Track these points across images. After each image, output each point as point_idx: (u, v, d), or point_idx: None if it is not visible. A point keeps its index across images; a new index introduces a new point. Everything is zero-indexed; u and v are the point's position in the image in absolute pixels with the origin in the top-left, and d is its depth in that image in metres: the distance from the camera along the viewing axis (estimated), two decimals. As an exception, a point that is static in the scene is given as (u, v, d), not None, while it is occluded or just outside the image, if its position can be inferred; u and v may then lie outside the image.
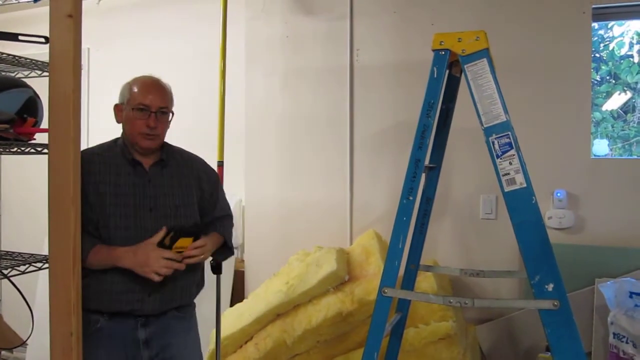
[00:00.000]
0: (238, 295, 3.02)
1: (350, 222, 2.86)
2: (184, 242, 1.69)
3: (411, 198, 1.63)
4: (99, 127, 3.49)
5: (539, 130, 2.53)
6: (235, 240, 3.10)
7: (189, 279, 1.84)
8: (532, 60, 2.55)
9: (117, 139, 1.89)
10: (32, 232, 3.60)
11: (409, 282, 1.99)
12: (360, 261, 2.48)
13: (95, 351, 1.69)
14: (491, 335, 2.60)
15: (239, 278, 3.06)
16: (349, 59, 2.85)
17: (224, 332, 2.47)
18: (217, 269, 2.29)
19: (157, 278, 1.65)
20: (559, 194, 2.50)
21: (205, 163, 2.00)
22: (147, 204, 1.77)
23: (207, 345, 2.70)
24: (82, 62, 3.55)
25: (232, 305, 2.89)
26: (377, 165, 2.82)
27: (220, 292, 2.41)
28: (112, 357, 1.73)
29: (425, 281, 2.34)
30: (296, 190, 2.97)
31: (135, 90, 1.79)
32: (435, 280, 2.34)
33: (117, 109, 1.84)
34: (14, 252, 1.89)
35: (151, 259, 1.65)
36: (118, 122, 1.84)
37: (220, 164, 2.39)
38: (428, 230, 2.06)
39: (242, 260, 3.11)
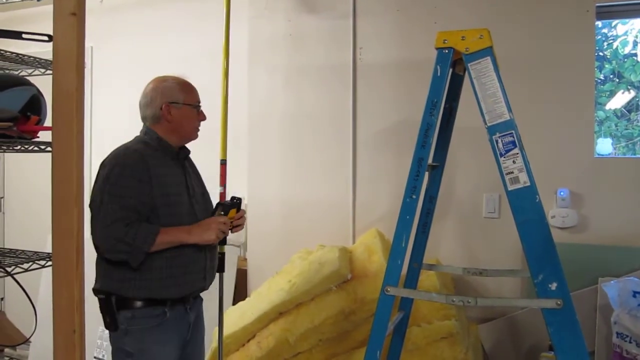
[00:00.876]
0: (240, 293, 3.02)
1: (352, 221, 2.86)
2: (232, 213, 2.00)
3: (414, 197, 1.63)
4: (102, 125, 3.52)
5: (542, 129, 2.53)
6: (238, 238, 3.12)
7: (214, 262, 2.05)
8: (536, 59, 2.54)
9: (141, 137, 1.96)
10: (34, 230, 3.61)
11: (411, 280, 1.99)
12: (363, 260, 2.48)
13: (164, 344, 1.85)
14: (493, 334, 2.60)
15: (242, 276, 3.06)
16: (352, 57, 2.85)
17: (226, 331, 2.47)
18: (219, 267, 2.28)
19: (217, 240, 1.90)
20: (562, 193, 2.49)
21: None
22: (190, 192, 1.96)
23: (210, 343, 2.71)
24: (85, 61, 3.55)
25: (234, 303, 2.89)
26: (380, 164, 2.81)
27: (223, 291, 2.41)
28: (176, 344, 1.90)
29: (427, 280, 2.33)
30: (299, 189, 2.97)
31: (186, 90, 1.97)
32: (437, 279, 2.34)
33: (168, 108, 1.92)
34: (17, 250, 1.90)
35: (212, 224, 1.87)
36: (168, 120, 1.92)
37: (223, 162, 2.38)
38: (431, 229, 2.06)
39: (245, 259, 3.11)
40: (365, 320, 2.37)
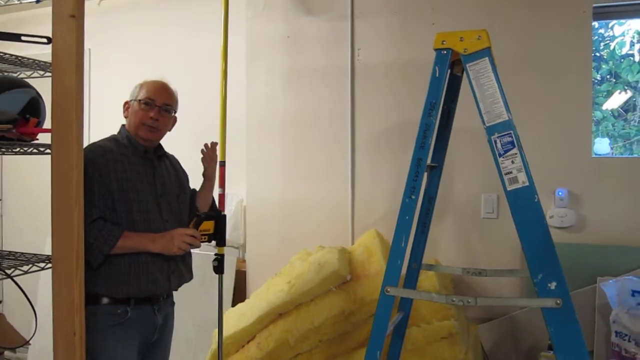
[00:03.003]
0: (240, 295, 3.02)
1: (351, 222, 2.86)
2: (206, 225, 2.00)
3: (413, 197, 1.63)
4: (100, 127, 3.51)
5: (540, 129, 2.53)
6: (237, 240, 3.12)
7: (187, 264, 2.05)
8: (533, 59, 2.55)
9: (115, 135, 2.01)
10: (32, 233, 3.61)
11: (411, 281, 1.99)
12: (362, 260, 2.48)
13: (124, 343, 1.85)
14: (493, 334, 2.60)
15: (241, 278, 3.06)
16: (350, 58, 2.86)
17: (225, 332, 2.47)
18: (219, 269, 2.29)
19: (179, 252, 1.88)
20: (560, 193, 2.50)
21: (178, 161, 2.23)
22: (157, 191, 1.97)
23: (210, 345, 2.71)
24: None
25: (233, 305, 2.89)
26: (379, 165, 2.82)
27: (223, 292, 2.41)
28: (136, 345, 1.90)
29: (427, 280, 2.34)
30: (297, 190, 2.97)
31: (145, 87, 1.99)
32: (437, 280, 2.34)
33: (126, 105, 2.02)
34: (16, 252, 1.90)
35: (175, 236, 1.87)
36: (125, 116, 2.01)
37: (222, 164, 2.38)
38: (430, 230, 2.06)
39: (244, 260, 3.11)
40: (364, 321, 2.38)
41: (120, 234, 1.79)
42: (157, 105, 1.96)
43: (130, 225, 1.85)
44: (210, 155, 2.18)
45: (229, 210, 2.98)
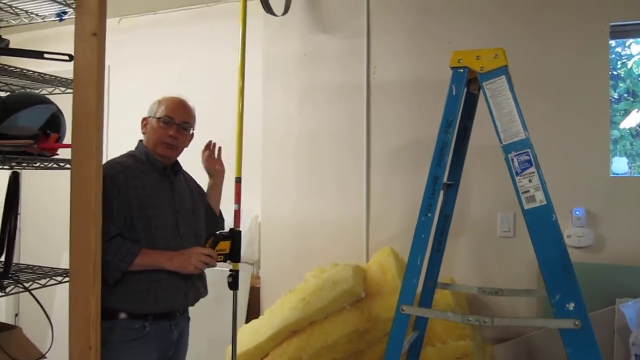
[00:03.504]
0: (253, 311, 3.02)
1: (366, 239, 2.85)
2: (223, 245, 2.03)
3: (429, 215, 1.63)
4: (119, 144, 3.55)
5: (557, 148, 2.52)
6: (251, 256, 3.13)
7: (203, 280, 2.06)
8: (551, 78, 2.55)
9: (132, 151, 2.04)
10: (49, 247, 3.65)
11: (426, 299, 1.98)
12: (377, 278, 2.47)
13: (141, 357, 1.87)
14: (509, 355, 2.56)
15: (255, 294, 3.06)
16: (366, 76, 2.87)
17: (239, 349, 2.46)
18: (233, 285, 2.29)
19: (195, 271, 1.89)
20: (577, 212, 2.47)
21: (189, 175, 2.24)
22: (175, 206, 1.98)
23: (223, 361, 2.71)
24: (104, 79, 3.57)
25: (247, 321, 2.88)
26: (394, 182, 2.82)
27: (237, 308, 2.41)
28: (155, 359, 1.92)
29: (442, 299, 2.32)
30: (312, 207, 2.98)
31: (164, 105, 2.00)
32: (452, 299, 2.32)
33: (144, 121, 2.03)
34: (34, 266, 1.92)
35: (192, 255, 1.88)
36: (143, 133, 2.03)
37: (238, 180, 2.39)
38: (445, 248, 2.05)
39: (258, 277, 3.11)
40: (379, 339, 2.36)
41: (137, 251, 1.80)
42: (175, 123, 1.98)
43: (149, 241, 1.86)
44: (212, 157, 2.20)
45: (243, 227, 2.98)
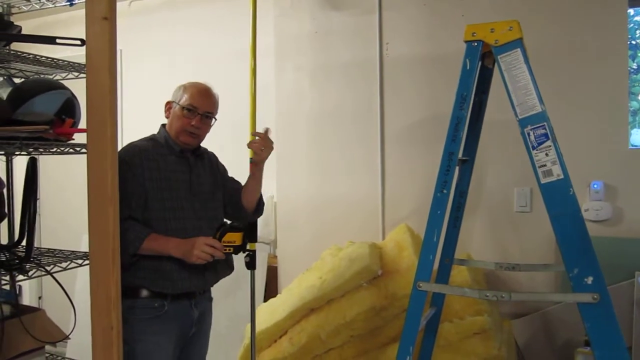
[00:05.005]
0: (271, 290, 3.05)
1: (382, 217, 2.85)
2: (231, 236, 1.97)
3: (445, 191, 1.62)
4: (132, 128, 3.57)
5: (574, 121, 2.48)
6: (268, 236, 3.15)
7: (224, 261, 2.03)
8: (566, 49, 2.49)
9: (154, 135, 2.04)
10: (69, 231, 3.70)
11: (443, 276, 1.98)
12: (393, 256, 2.47)
13: (160, 336, 1.89)
14: (527, 329, 2.57)
15: (272, 274, 3.08)
16: (378, 53, 2.84)
17: (258, 327, 2.49)
18: (251, 265, 2.31)
19: (198, 261, 1.84)
20: (595, 186, 2.44)
21: (216, 157, 2.24)
22: (193, 189, 1.98)
23: (241, 339, 2.74)
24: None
25: (265, 300, 2.91)
26: (409, 159, 2.80)
27: (255, 288, 2.43)
28: (173, 338, 1.93)
29: (459, 275, 2.32)
30: (328, 186, 2.98)
31: (188, 92, 1.98)
32: (469, 274, 2.32)
33: (168, 105, 2.03)
34: (55, 250, 1.95)
35: (196, 245, 1.83)
36: (166, 117, 2.03)
37: (253, 161, 2.39)
38: (462, 224, 2.04)
39: (275, 256, 3.13)
40: (396, 316, 2.37)
41: (146, 235, 1.81)
42: (199, 113, 1.97)
43: (162, 223, 1.87)
44: (264, 141, 2.06)
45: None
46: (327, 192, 2.98)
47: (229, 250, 1.97)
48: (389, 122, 2.85)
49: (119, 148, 1.95)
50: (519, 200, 2.61)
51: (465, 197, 1.99)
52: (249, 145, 2.06)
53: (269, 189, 3.12)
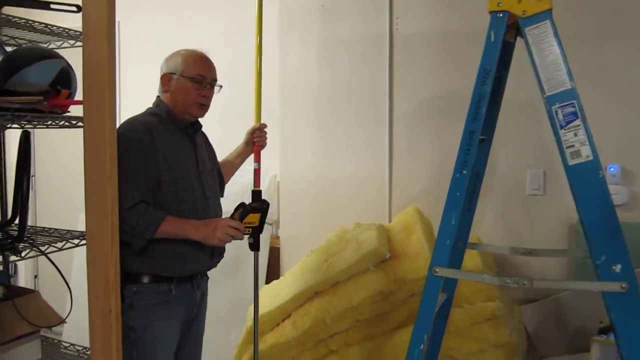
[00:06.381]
0: (273, 272, 2.98)
1: (389, 198, 2.76)
2: (252, 217, 1.89)
3: (465, 172, 1.53)
4: (131, 103, 3.46)
5: (592, 102, 2.36)
6: (270, 216, 3.05)
7: None
8: (592, 27, 2.36)
9: (152, 109, 1.92)
10: (65, 209, 3.61)
11: (456, 260, 1.89)
12: (402, 238, 2.39)
13: (168, 321, 1.83)
14: (537, 316, 2.50)
15: (274, 255, 3.01)
16: (388, 27, 2.72)
17: (260, 310, 2.41)
18: (254, 246, 2.22)
19: (220, 244, 1.81)
20: (612, 169, 2.36)
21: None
22: (198, 167, 1.91)
23: (242, 321, 2.68)
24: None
25: (267, 282, 2.85)
26: (418, 139, 2.70)
27: (258, 270, 2.35)
28: (179, 322, 1.89)
29: (470, 259, 2.23)
30: (332, 165, 2.89)
31: (191, 61, 1.87)
32: (480, 259, 2.24)
33: (166, 78, 1.89)
34: (50, 229, 1.86)
35: (218, 227, 1.78)
36: (164, 91, 1.89)
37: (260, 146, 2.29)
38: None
39: (277, 237, 3.05)
40: (404, 301, 2.30)
41: (162, 218, 1.73)
42: (207, 82, 1.88)
43: (175, 204, 1.80)
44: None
45: (262, 186, 2.92)
46: (332, 171, 2.89)
47: (248, 232, 1.91)
48: (398, 100, 2.74)
49: (118, 122, 1.86)
50: (531, 182, 2.53)
51: (481, 179, 1.89)
52: (260, 137, 2.13)
53: (272, 168, 3.03)
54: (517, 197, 2.57)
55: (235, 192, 2.91)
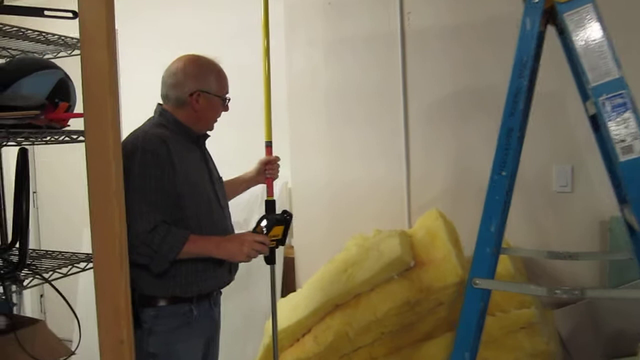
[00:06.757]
0: (289, 283, 2.85)
1: (407, 201, 2.63)
2: (276, 230, 1.78)
3: (504, 173, 1.40)
4: (131, 110, 3.33)
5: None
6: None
7: None
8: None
9: (156, 119, 1.79)
10: (69, 226, 3.49)
11: (492, 268, 1.76)
12: (425, 244, 2.26)
13: (191, 342, 1.73)
14: (570, 320, 2.35)
15: (289, 265, 2.88)
16: (399, 23, 2.58)
17: (278, 325, 2.29)
18: (270, 259, 2.09)
19: (247, 260, 1.70)
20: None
21: None
22: (211, 177, 1.83)
23: (259, 335, 2.55)
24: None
25: (283, 294, 2.72)
26: (436, 138, 2.57)
27: (275, 282, 2.23)
28: (202, 343, 1.78)
29: (500, 265, 2.08)
30: (346, 169, 2.76)
31: (221, 80, 1.82)
32: (511, 264, 2.11)
33: (197, 94, 1.75)
34: (53, 252, 1.74)
35: (245, 243, 1.67)
36: (192, 108, 1.76)
37: (269, 144, 2.15)
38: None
39: (291, 246, 2.92)
40: (430, 310, 2.16)
41: (186, 238, 1.61)
42: (228, 100, 1.86)
43: (196, 219, 1.69)
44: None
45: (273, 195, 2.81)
46: (345, 175, 2.76)
47: (273, 244, 1.81)
48: (413, 99, 2.61)
49: (123, 135, 1.73)
50: (558, 179, 2.39)
51: (514, 179, 1.76)
52: (272, 171, 2.09)
53: (283, 175, 2.90)
54: (543, 195, 2.43)
55: (247, 200, 2.82)
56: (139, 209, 1.55)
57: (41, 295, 3.99)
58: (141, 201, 1.56)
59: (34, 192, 3.99)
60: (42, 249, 1.80)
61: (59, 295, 1.51)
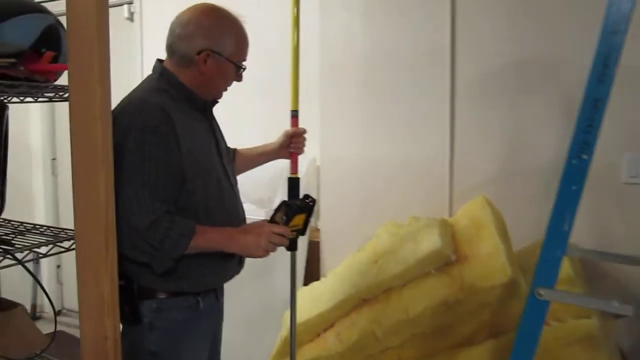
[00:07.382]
0: (312, 270, 2.62)
1: (449, 186, 2.34)
2: (297, 219, 1.52)
3: (585, 157, 1.11)
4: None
5: None
6: (309, 205, 2.69)
7: None
8: None
9: (156, 82, 1.53)
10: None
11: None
12: (469, 237, 1.98)
13: (199, 338, 1.56)
14: (632, 332, 2.06)
15: (314, 250, 2.65)
16: (449, -22, 2.28)
17: (298, 317, 2.06)
18: (291, 246, 1.85)
19: (265, 255, 1.45)
20: None
21: None
22: (219, 151, 1.60)
23: (277, 326, 2.33)
24: (134, 13, 3.13)
25: (305, 283, 2.51)
26: (486, 115, 2.26)
27: (296, 268, 2.00)
28: (208, 338, 1.62)
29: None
30: (381, 147, 2.48)
31: (242, 45, 1.56)
32: (570, 266, 1.81)
33: (206, 54, 1.49)
34: (42, 226, 1.52)
35: (262, 235, 1.42)
36: (197, 70, 1.50)
37: (295, 114, 1.89)
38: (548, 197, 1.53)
39: (317, 229, 2.68)
40: (471, 312, 1.89)
41: (192, 233, 1.37)
42: (244, 69, 1.60)
43: (204, 204, 1.47)
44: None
45: (299, 172, 2.56)
46: (381, 154, 2.49)
47: (293, 235, 1.55)
48: (462, 70, 2.30)
49: (115, 95, 1.48)
50: (629, 168, 2.06)
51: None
52: (298, 144, 1.88)
53: (310, 151, 2.65)
54: (610, 187, 2.11)
55: (270, 178, 2.57)
56: (136, 197, 1.33)
57: (58, 266, 3.86)
58: (139, 187, 1.33)
59: (52, 159, 3.84)
60: (33, 222, 1.58)
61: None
